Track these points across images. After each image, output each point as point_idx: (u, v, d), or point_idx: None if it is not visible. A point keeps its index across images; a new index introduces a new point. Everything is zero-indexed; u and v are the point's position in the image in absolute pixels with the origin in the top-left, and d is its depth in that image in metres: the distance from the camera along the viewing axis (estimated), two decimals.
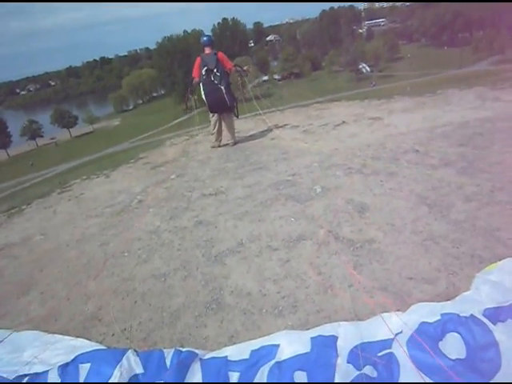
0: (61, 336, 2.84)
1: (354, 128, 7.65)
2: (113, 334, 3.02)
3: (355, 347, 2.17)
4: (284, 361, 2.21)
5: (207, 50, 7.68)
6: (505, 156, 4.91)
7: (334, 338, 2.27)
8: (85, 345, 2.65)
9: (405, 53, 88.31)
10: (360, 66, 79.91)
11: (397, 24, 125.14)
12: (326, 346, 2.23)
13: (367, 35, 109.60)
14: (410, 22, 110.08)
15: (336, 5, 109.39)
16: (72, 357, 2.38)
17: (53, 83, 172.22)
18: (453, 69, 64.40)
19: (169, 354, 2.33)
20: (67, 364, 2.33)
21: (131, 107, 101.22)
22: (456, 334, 2.06)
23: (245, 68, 8.47)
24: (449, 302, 2.39)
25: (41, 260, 4.50)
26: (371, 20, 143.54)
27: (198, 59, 7.73)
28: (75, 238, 4.92)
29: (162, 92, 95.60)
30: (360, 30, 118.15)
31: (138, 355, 2.34)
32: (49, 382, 2.30)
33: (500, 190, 4.07)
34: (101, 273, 3.89)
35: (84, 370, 2.29)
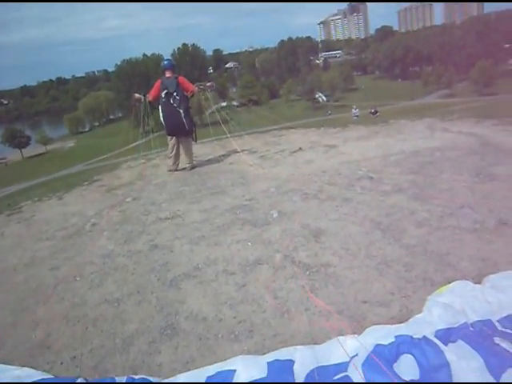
0: (4, 366, 2.70)
1: (310, 155, 7.80)
2: (61, 363, 2.88)
3: (312, 371, 2.18)
4: None
5: (168, 74, 7.72)
6: (453, 183, 5.14)
7: (291, 363, 2.26)
8: (31, 374, 2.53)
9: (359, 84, 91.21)
10: (316, 96, 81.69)
11: (352, 56, 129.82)
12: (282, 370, 2.22)
13: (324, 66, 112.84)
14: (364, 55, 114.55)
15: (294, 36, 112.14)
16: None
17: (5, 102, 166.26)
18: (405, 100, 67.03)
19: (121, 382, 2.25)
20: None
21: (87, 129, 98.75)
22: (410, 356, 2.11)
23: (208, 84, 8.46)
24: (402, 324, 2.44)
25: None
26: (328, 52, 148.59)
27: (158, 82, 7.78)
28: (24, 261, 4.70)
29: (120, 115, 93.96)
30: (317, 61, 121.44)
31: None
32: None
33: (449, 215, 4.23)
34: (50, 298, 3.73)
35: None
